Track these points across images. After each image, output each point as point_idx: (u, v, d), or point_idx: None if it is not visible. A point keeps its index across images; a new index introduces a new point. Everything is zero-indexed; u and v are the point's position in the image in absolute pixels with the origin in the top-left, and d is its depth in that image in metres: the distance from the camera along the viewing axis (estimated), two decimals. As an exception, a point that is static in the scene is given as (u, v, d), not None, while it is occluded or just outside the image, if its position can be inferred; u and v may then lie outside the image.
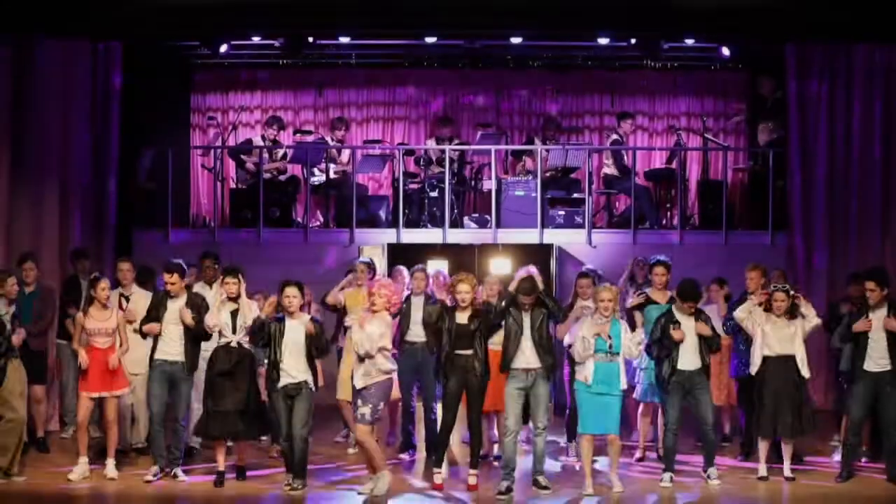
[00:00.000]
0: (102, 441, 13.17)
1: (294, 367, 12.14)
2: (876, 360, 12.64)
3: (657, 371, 12.71)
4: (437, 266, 15.36)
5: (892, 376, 12.61)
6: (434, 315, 12.59)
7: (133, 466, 13.25)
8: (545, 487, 12.23)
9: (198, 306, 12.65)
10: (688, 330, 12.52)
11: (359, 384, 12.01)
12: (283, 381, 12.14)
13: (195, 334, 12.62)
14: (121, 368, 12.85)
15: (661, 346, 12.55)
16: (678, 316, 12.58)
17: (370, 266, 14.38)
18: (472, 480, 12.37)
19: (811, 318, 12.82)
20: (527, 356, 12.14)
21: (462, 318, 12.30)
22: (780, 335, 12.68)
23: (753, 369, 12.87)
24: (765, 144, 18.73)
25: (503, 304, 12.35)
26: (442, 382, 12.51)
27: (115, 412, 12.83)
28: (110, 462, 12.74)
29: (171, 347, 12.62)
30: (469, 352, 12.25)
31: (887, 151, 17.49)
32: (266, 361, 12.34)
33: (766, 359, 12.74)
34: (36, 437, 14.07)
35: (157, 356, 12.65)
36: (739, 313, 13.05)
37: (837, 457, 13.72)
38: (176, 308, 12.62)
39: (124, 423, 13.72)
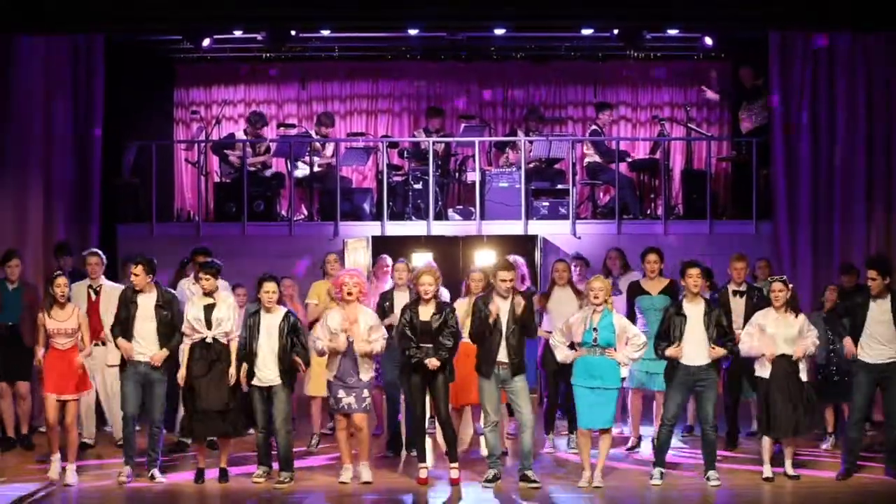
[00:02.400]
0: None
1: (269, 365, 12.16)
2: (877, 350, 12.34)
3: (666, 367, 12.34)
4: (423, 258, 15.31)
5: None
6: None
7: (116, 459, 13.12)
8: (534, 482, 12.07)
9: (169, 303, 12.42)
10: (696, 321, 12.17)
11: (365, 377, 12.14)
12: (259, 380, 12.18)
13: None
14: (84, 370, 12.51)
15: (669, 340, 12.17)
16: (686, 308, 12.23)
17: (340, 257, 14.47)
18: (453, 474, 12.26)
19: (811, 340, 12.36)
20: (502, 350, 12.07)
21: (424, 313, 12.17)
22: (784, 335, 12.28)
23: (764, 372, 12.36)
24: (747, 132, 18.75)
25: (480, 308, 12.17)
26: (403, 378, 12.42)
27: (75, 415, 12.46)
28: (70, 468, 12.33)
29: (145, 347, 12.31)
30: (431, 346, 12.08)
31: (870, 139, 17.53)
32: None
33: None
34: (20, 435, 14.01)
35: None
36: (744, 348, 12.48)
37: (825, 446, 13.77)
38: (147, 304, 12.32)
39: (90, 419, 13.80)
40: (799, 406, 12.27)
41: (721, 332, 12.18)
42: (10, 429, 14.00)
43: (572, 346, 12.20)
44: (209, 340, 12.21)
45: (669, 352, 12.12)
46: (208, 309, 12.24)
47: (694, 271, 12.28)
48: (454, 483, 12.20)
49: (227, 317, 12.27)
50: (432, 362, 12.02)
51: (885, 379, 12.40)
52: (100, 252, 14.30)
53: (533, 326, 12.37)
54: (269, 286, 12.25)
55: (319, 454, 13.72)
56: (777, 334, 12.30)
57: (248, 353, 12.18)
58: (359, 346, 12.08)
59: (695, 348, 12.14)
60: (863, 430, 12.85)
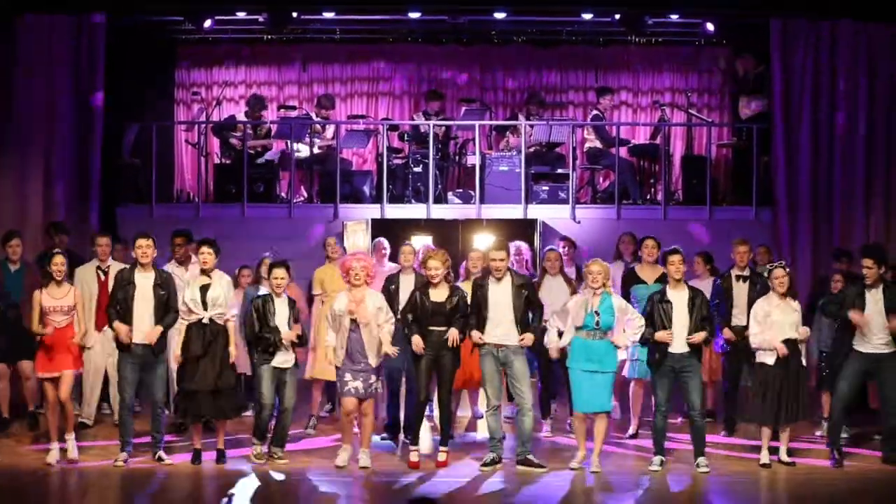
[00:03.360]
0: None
1: (284, 347, 12.20)
2: (873, 340, 12.25)
3: (648, 354, 12.31)
4: (423, 242, 15.31)
5: (893, 357, 12.26)
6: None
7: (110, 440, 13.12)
8: (539, 465, 12.10)
9: (166, 283, 12.30)
10: (680, 309, 12.11)
11: (374, 362, 12.08)
12: (276, 360, 12.19)
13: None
14: (77, 348, 12.44)
15: (653, 327, 12.11)
16: (670, 295, 12.20)
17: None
18: (441, 457, 12.27)
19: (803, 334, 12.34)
20: (500, 332, 12.10)
21: (437, 294, 12.17)
22: (787, 321, 12.19)
23: (769, 359, 12.21)
24: (747, 119, 18.74)
25: (476, 289, 12.25)
26: (410, 359, 12.43)
27: (69, 390, 12.29)
28: (70, 439, 12.30)
29: (142, 328, 12.16)
30: (443, 328, 12.10)
31: (871, 126, 17.56)
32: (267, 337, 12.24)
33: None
34: (27, 411, 13.98)
35: None
36: (756, 341, 12.32)
37: (820, 432, 13.75)
38: (145, 284, 12.17)
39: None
40: (791, 394, 12.23)
41: (700, 321, 12.11)
42: (5, 410, 13.97)
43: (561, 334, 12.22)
44: (205, 321, 12.17)
45: (659, 335, 12.07)
46: (204, 289, 12.20)
47: (675, 258, 12.23)
48: (440, 466, 12.21)
49: (224, 297, 12.24)
50: (453, 334, 12.03)
51: (876, 369, 12.36)
52: (109, 234, 14.29)
53: (539, 309, 12.39)
54: (280, 272, 12.26)
55: (316, 436, 13.74)
56: (783, 321, 12.23)
57: (261, 336, 12.16)
58: (371, 326, 12.03)
59: (677, 336, 12.08)
60: (848, 415, 12.76)
